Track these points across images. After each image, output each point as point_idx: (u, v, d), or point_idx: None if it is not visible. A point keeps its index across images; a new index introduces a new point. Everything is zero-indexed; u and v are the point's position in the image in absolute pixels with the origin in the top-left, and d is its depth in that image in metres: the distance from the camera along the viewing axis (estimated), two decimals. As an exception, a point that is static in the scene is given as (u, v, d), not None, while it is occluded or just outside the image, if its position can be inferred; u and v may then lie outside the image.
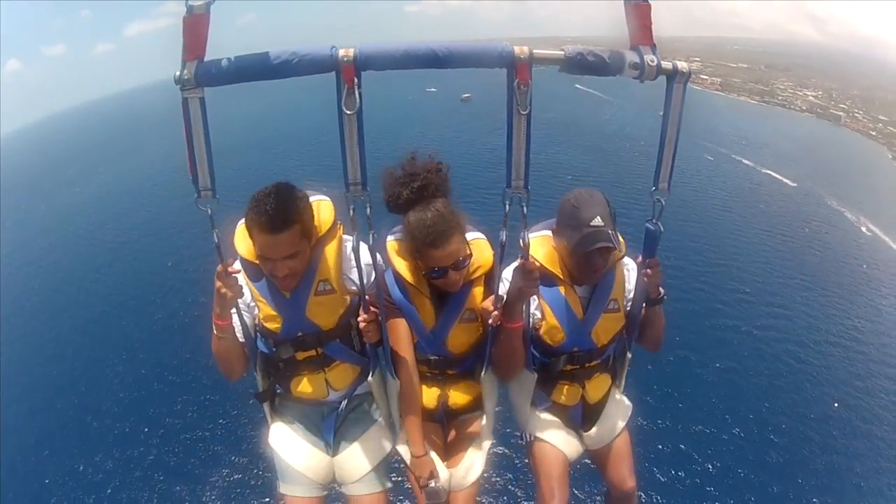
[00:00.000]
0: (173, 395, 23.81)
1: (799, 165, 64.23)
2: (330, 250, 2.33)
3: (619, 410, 2.83)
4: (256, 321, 2.42)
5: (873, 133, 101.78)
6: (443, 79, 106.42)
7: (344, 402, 2.63)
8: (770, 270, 37.61)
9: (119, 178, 68.24)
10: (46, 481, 20.43)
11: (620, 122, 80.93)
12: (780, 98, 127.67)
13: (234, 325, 2.31)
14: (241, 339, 2.38)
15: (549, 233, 2.54)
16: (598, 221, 2.27)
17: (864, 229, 48.66)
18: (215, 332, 2.25)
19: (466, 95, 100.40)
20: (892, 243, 45.84)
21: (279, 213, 2.02)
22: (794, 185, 57.97)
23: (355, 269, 2.24)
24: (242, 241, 2.28)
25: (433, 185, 2.30)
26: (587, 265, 2.39)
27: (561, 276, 2.49)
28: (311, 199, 2.31)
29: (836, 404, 24.75)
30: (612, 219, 2.31)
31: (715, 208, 46.44)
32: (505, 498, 17.06)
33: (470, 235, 2.46)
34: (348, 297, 2.41)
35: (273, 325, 2.37)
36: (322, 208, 2.34)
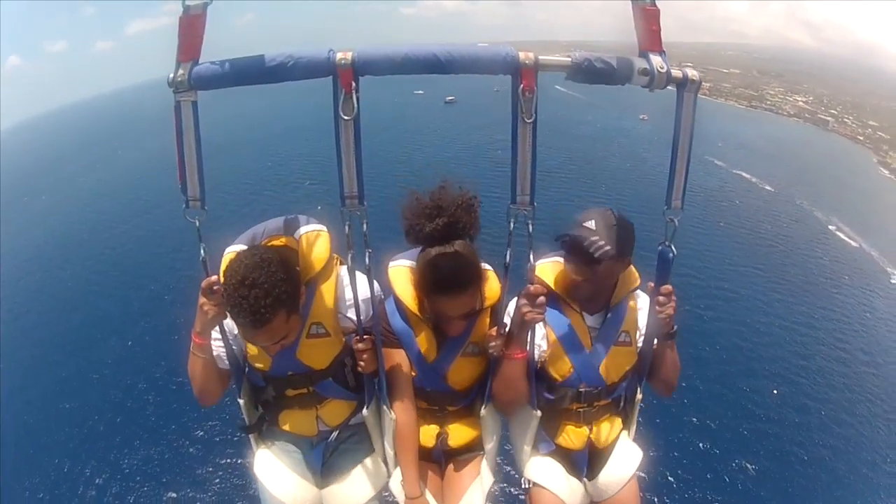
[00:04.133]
0: (179, 396, 23.76)
1: (774, 167, 66.00)
2: (325, 290, 2.18)
3: (628, 458, 2.52)
4: (244, 352, 2.27)
5: (861, 138, 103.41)
6: (429, 82, 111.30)
7: (335, 433, 2.49)
8: (722, 259, 38.78)
9: (117, 174, 69.70)
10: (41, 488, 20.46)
11: (600, 125, 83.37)
12: (768, 103, 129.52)
13: (215, 349, 2.16)
14: (226, 367, 2.22)
15: (561, 259, 2.34)
16: (590, 224, 2.12)
17: (832, 227, 49.61)
18: (192, 349, 2.08)
19: (450, 98, 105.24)
20: (862, 242, 46.64)
21: (259, 308, 1.82)
22: (766, 185, 59.40)
23: (352, 306, 2.13)
24: None
25: (461, 224, 2.08)
26: (570, 272, 2.23)
27: (570, 304, 2.33)
28: (306, 228, 2.18)
29: (775, 391, 25.66)
30: (615, 234, 2.11)
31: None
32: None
33: None
34: (343, 338, 2.27)
35: (260, 365, 2.25)
36: (316, 242, 2.17)
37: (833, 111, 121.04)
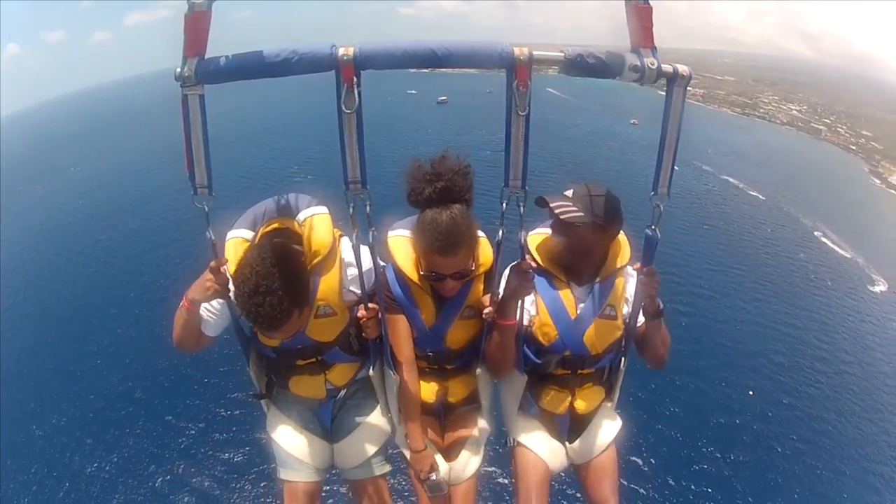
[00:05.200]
0: (172, 378, 24.05)
1: (762, 173, 65.86)
2: (330, 274, 2.28)
3: (607, 425, 2.73)
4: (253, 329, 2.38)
5: (853, 147, 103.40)
6: (422, 82, 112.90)
7: (343, 391, 2.64)
8: (704, 259, 38.80)
9: (115, 165, 69.59)
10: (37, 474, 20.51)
11: (591, 129, 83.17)
12: (761, 111, 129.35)
13: (210, 317, 2.29)
14: (212, 334, 2.35)
15: (549, 231, 2.52)
16: (568, 192, 2.34)
17: (818, 234, 49.49)
18: (182, 305, 2.18)
19: (442, 98, 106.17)
20: (848, 249, 46.56)
21: (275, 315, 1.92)
22: (753, 191, 59.14)
23: (356, 279, 2.24)
24: (235, 262, 2.13)
25: (457, 188, 2.23)
26: (551, 237, 2.46)
27: (557, 274, 2.50)
28: (308, 212, 2.28)
29: (751, 392, 25.77)
30: (590, 203, 2.30)
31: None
32: (505, 496, 16.58)
33: None
34: (348, 313, 2.38)
35: (270, 342, 2.38)
36: (319, 227, 2.26)
37: (827, 120, 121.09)
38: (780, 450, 22.46)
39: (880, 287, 39.93)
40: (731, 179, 62.30)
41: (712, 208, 51.06)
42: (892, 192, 77.93)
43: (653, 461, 20.47)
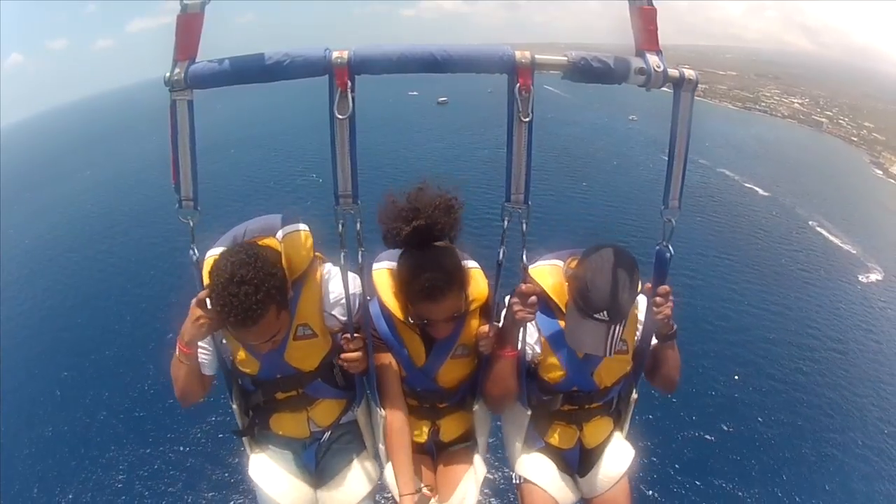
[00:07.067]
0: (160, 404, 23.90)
1: (759, 166, 66.02)
2: (309, 290, 2.14)
3: (620, 456, 2.51)
4: (232, 358, 2.25)
5: (855, 139, 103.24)
6: (424, 83, 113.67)
7: (327, 433, 2.47)
8: (696, 250, 38.32)
9: (118, 172, 69.77)
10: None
11: (589, 126, 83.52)
12: (763, 105, 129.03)
13: (201, 356, 2.14)
14: (209, 374, 2.21)
15: (561, 263, 2.26)
16: (601, 316, 1.94)
17: (812, 223, 49.46)
18: (178, 356, 2.05)
19: (443, 99, 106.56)
20: (843, 238, 46.58)
21: (250, 305, 1.79)
22: (749, 184, 59.28)
23: (339, 302, 2.12)
24: None
25: (439, 226, 2.01)
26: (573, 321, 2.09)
27: (565, 311, 2.20)
28: (287, 228, 2.12)
29: (736, 376, 26.08)
30: (627, 303, 1.96)
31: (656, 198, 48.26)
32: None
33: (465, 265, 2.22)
34: (330, 339, 2.23)
35: (249, 369, 2.22)
36: (299, 242, 2.11)
37: (828, 113, 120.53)
38: (770, 425, 22.90)
39: (875, 276, 39.91)
40: (727, 172, 62.22)
41: (705, 200, 50.84)
42: (893, 182, 77.72)
43: (648, 443, 20.59)
